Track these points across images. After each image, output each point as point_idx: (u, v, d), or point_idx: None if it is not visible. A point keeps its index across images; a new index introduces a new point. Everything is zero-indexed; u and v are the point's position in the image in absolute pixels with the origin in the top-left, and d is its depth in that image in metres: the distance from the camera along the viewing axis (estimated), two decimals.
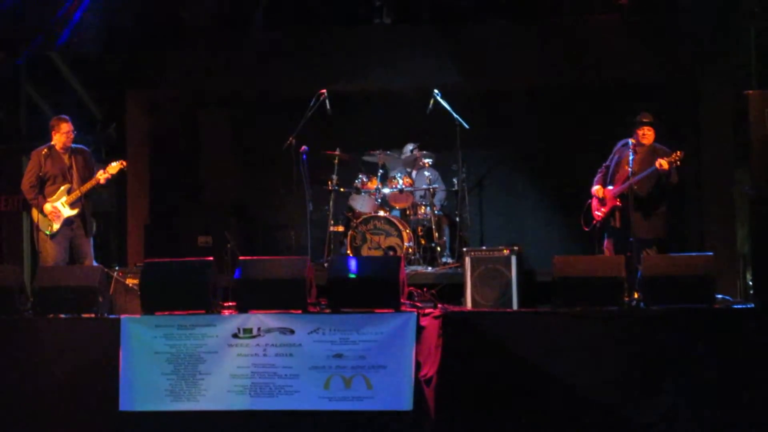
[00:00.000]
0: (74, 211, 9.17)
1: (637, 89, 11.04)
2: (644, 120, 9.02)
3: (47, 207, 9.06)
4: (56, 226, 9.09)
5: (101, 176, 9.18)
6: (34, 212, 9.22)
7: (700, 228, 11.08)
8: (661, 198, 9.00)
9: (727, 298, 8.51)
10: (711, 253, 8.13)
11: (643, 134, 9.01)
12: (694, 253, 8.63)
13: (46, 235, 9.08)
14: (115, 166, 9.24)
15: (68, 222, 9.14)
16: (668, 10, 10.52)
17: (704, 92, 11.11)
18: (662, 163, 8.70)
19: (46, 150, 9.15)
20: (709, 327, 7.43)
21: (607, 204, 9.10)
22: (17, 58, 11.56)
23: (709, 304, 7.59)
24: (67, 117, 9.32)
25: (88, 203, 9.31)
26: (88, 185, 9.18)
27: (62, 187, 9.16)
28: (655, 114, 9.21)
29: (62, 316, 8.03)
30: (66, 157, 9.23)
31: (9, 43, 11.18)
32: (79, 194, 9.13)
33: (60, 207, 9.11)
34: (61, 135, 9.20)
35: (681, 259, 8.07)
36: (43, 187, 9.16)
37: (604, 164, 9.30)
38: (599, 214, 9.17)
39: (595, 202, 9.25)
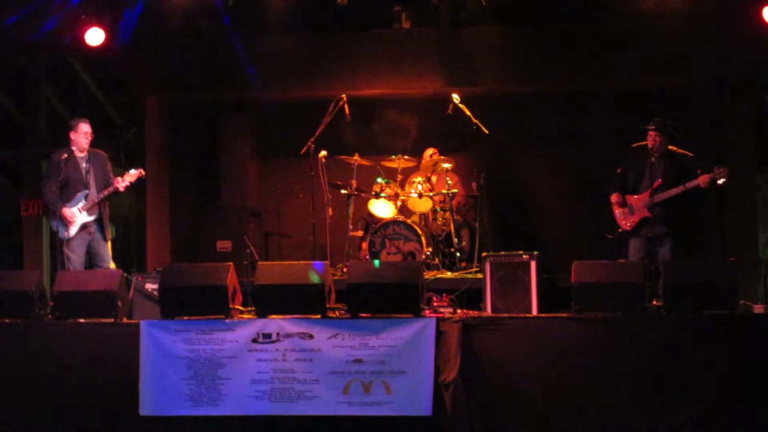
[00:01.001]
0: (91, 217, 9.19)
1: (659, 94, 10.98)
2: (648, 127, 8.93)
3: (65, 212, 9.08)
4: (72, 231, 9.11)
5: (119, 184, 9.20)
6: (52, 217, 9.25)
7: (722, 233, 11.01)
8: (686, 204, 8.94)
9: (749, 303, 8.44)
10: (733, 259, 8.07)
11: (652, 139, 8.94)
12: (715, 259, 8.58)
13: (63, 239, 9.10)
14: (133, 174, 9.25)
15: (84, 226, 9.16)
16: (689, 15, 10.46)
17: (726, 97, 11.04)
18: (706, 181, 8.65)
19: (65, 155, 9.17)
20: (732, 333, 7.39)
21: (636, 213, 9.00)
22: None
23: (731, 310, 7.55)
24: (85, 118, 9.35)
25: (105, 208, 9.33)
26: (105, 192, 9.20)
27: (80, 193, 9.17)
28: (677, 119, 9.17)
29: (82, 320, 8.05)
30: (84, 163, 9.24)
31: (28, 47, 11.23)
32: (96, 201, 9.15)
33: (76, 212, 9.13)
34: (79, 135, 9.22)
35: (702, 264, 8.02)
36: (62, 192, 9.17)
37: (617, 169, 9.23)
38: (627, 224, 9.06)
39: (620, 211, 9.12)
